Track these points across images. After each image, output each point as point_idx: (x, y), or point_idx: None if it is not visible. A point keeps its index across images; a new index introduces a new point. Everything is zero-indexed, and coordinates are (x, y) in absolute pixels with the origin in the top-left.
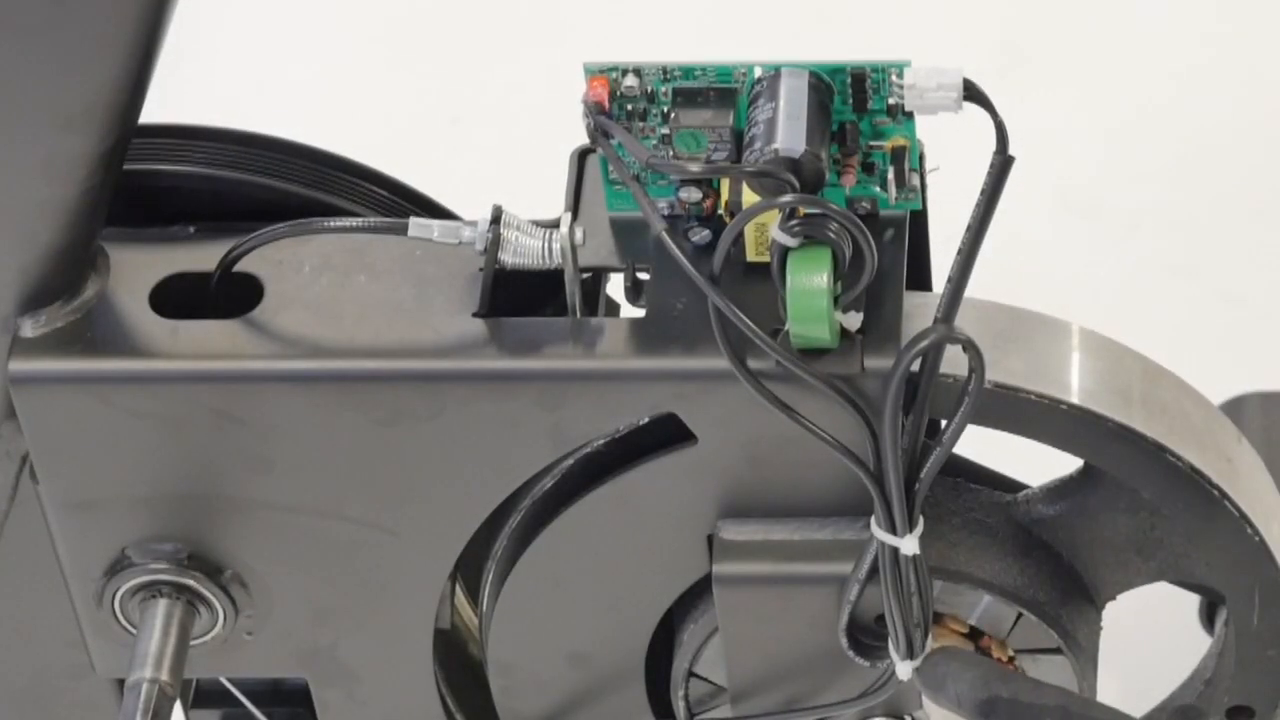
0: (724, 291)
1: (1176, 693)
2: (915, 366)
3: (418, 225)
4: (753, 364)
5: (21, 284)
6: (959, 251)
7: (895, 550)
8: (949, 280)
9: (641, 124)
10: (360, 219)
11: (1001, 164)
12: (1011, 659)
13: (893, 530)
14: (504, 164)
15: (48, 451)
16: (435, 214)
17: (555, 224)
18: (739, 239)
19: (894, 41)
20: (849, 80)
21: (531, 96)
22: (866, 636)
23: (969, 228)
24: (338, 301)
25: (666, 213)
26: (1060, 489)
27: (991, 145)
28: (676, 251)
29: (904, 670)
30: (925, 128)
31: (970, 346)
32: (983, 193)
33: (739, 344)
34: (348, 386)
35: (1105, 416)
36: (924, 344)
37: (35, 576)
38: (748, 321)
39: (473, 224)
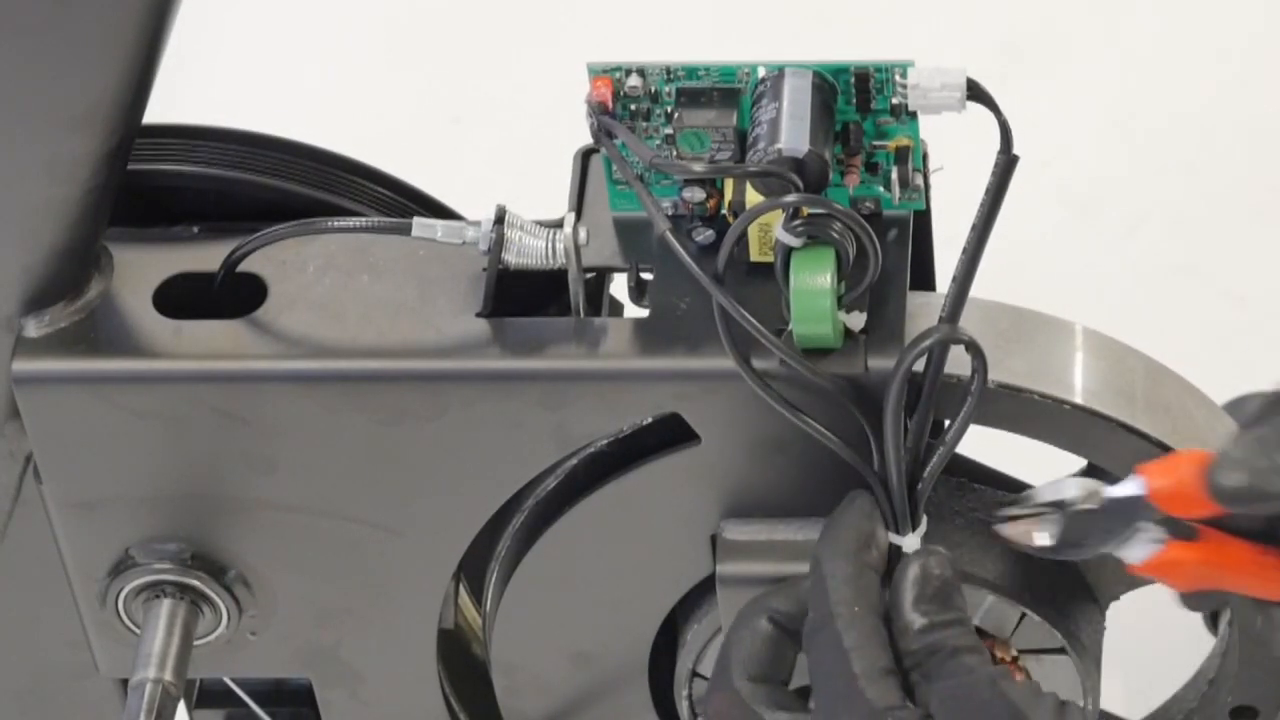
0: (728, 291)
1: (1180, 693)
2: (919, 367)
3: (421, 225)
4: (757, 364)
5: (25, 284)
6: (964, 251)
7: (898, 549)
8: (954, 280)
9: (645, 124)
10: (364, 219)
11: (1006, 163)
12: (1015, 659)
13: (895, 529)
14: (507, 164)
15: (51, 451)
16: (438, 214)
17: (559, 224)
18: (742, 239)
19: (896, 42)
20: (852, 80)
21: (534, 96)
22: None
23: (974, 227)
24: (341, 301)
25: (670, 213)
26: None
27: (994, 145)
28: (681, 251)
29: None
30: (928, 128)
31: (973, 347)
32: (987, 192)
33: (743, 344)
34: (351, 386)
35: (1108, 416)
36: (926, 344)
37: (39, 576)
38: (753, 320)
39: (476, 224)
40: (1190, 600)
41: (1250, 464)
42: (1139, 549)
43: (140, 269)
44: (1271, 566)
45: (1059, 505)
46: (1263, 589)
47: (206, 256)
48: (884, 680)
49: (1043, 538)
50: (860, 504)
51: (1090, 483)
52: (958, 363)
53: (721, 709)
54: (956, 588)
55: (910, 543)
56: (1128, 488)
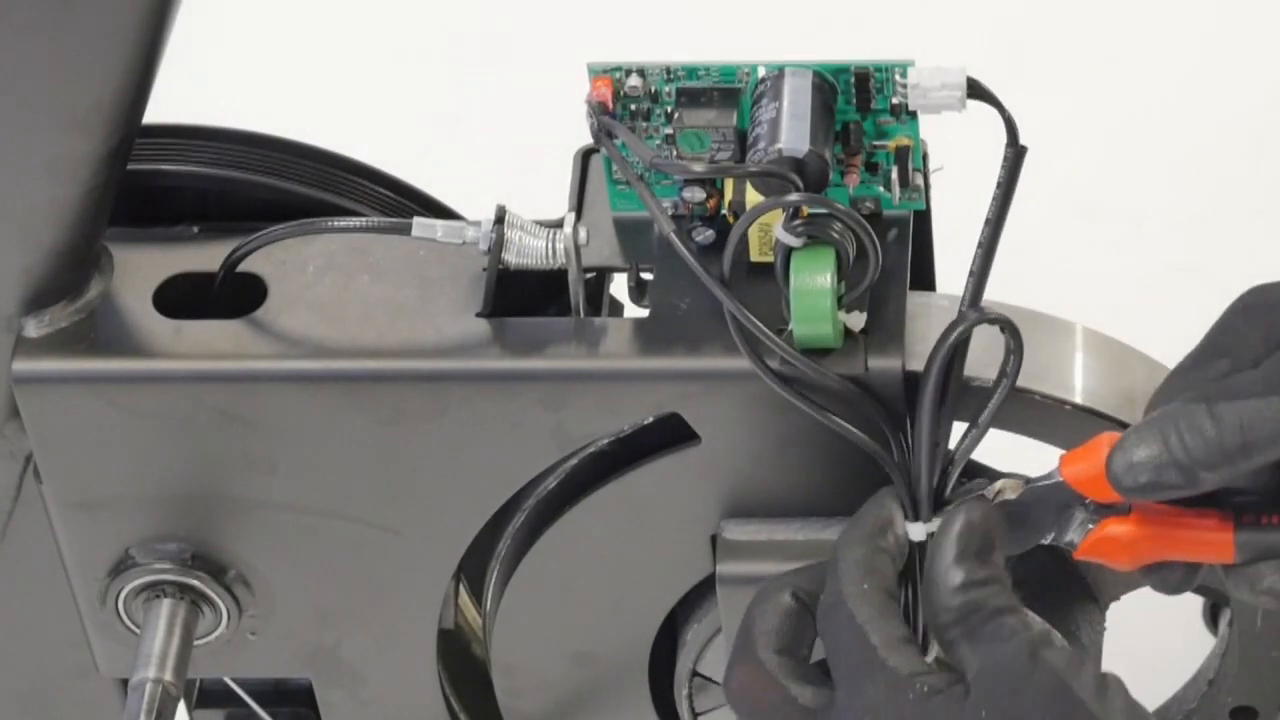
0: (732, 293)
1: (1180, 693)
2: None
3: (421, 225)
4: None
5: (25, 284)
6: (979, 244)
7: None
8: (971, 274)
9: (645, 124)
10: (364, 219)
11: (1015, 155)
12: None
13: (918, 519)
14: (507, 164)
15: (51, 451)
16: (439, 214)
17: (559, 224)
18: (742, 239)
19: (896, 42)
20: (853, 80)
21: (535, 96)
22: None
23: (987, 221)
24: (341, 301)
25: (670, 213)
26: None
27: (995, 145)
28: (686, 253)
29: None
30: (928, 127)
31: (1009, 327)
32: (999, 185)
33: (754, 344)
34: (351, 386)
35: (1110, 417)
36: (964, 326)
37: (39, 576)
38: (759, 324)
39: (476, 224)
40: (1156, 581)
41: (1149, 456)
42: (1073, 533)
43: (140, 269)
44: (1211, 529)
45: (988, 498)
46: (1207, 553)
47: (206, 256)
48: (904, 648)
49: None
50: (881, 496)
51: (1015, 477)
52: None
53: (745, 681)
54: (998, 545)
55: (915, 531)
56: (1048, 475)
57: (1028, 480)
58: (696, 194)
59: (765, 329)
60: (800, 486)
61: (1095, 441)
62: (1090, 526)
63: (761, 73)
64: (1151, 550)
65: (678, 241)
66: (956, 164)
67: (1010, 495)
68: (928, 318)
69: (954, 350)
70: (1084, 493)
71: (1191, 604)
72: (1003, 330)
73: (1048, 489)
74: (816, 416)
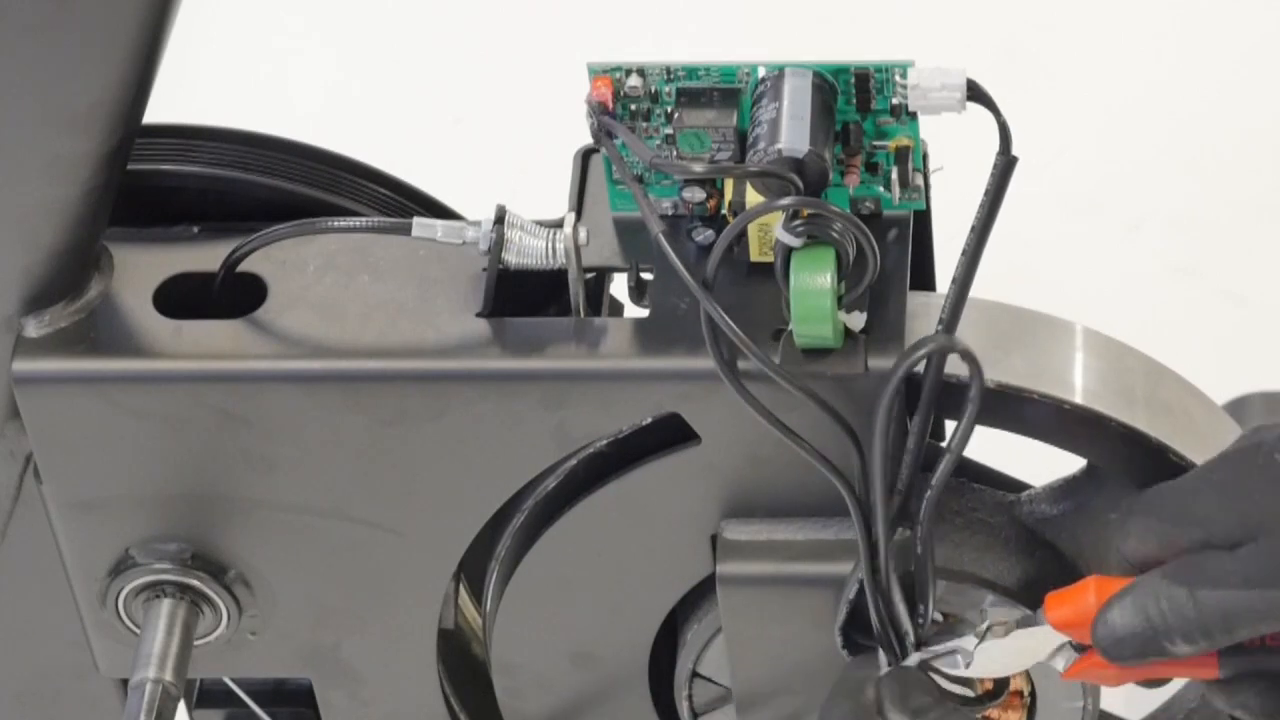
0: (723, 293)
1: (1181, 692)
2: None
3: (421, 225)
4: (746, 368)
5: (25, 284)
6: (963, 252)
7: (877, 554)
8: (954, 281)
9: (645, 124)
10: (364, 219)
11: (1005, 164)
12: None
13: (879, 539)
14: (507, 164)
15: (51, 451)
16: (439, 214)
17: (559, 224)
18: (741, 239)
19: (896, 42)
20: (852, 80)
21: (535, 96)
22: (863, 636)
23: (973, 228)
24: (341, 301)
25: (670, 213)
26: (1064, 489)
27: (994, 145)
28: (672, 255)
29: None
30: (928, 128)
31: (969, 357)
32: (986, 193)
33: (729, 349)
34: (351, 386)
35: (1108, 417)
36: (921, 352)
37: (39, 576)
38: (734, 327)
39: (476, 224)
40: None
41: (1134, 632)
42: (1060, 659)
43: (140, 269)
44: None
45: (976, 636)
46: (1193, 671)
47: (206, 256)
48: None
49: (960, 666)
50: (852, 663)
51: (1003, 612)
52: (956, 363)
53: None
54: (935, 696)
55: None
56: (1034, 617)
57: (1017, 621)
58: (696, 194)
59: (740, 332)
60: (800, 486)
61: (1080, 586)
62: (1076, 655)
63: (761, 73)
64: (1138, 673)
65: (665, 243)
66: (957, 164)
67: (1000, 636)
68: (928, 318)
69: (907, 378)
70: (1069, 635)
71: None
72: (964, 359)
73: (1034, 631)
74: (774, 429)
